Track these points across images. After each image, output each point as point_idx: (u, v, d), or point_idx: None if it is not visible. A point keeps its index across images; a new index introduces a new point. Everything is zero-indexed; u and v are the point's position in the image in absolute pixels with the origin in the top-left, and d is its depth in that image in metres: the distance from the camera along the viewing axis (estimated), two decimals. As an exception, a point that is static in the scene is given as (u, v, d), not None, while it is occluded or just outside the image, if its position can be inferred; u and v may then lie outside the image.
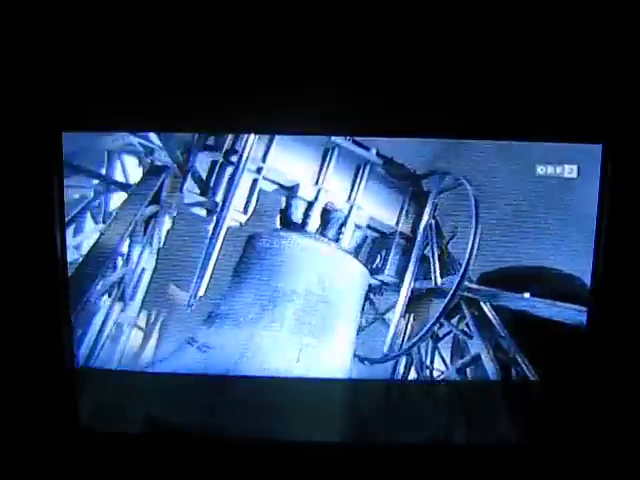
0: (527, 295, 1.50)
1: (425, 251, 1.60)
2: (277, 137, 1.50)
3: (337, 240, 1.61)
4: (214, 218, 1.57)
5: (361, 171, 1.61)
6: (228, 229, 1.56)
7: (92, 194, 1.64)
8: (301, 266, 1.55)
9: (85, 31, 1.28)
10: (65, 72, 1.30)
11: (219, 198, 1.58)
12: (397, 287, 1.60)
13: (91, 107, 1.32)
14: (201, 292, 1.52)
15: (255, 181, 1.58)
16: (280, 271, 1.55)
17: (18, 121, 1.31)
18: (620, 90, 1.23)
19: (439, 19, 1.25)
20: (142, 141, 1.56)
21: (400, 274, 1.61)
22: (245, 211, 1.57)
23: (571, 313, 1.44)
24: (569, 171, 1.41)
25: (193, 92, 1.30)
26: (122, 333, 1.61)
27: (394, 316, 1.57)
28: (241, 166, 1.55)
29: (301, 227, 1.60)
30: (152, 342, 1.60)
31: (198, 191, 1.58)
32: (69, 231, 1.49)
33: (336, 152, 1.59)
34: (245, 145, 1.54)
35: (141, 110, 1.33)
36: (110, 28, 1.28)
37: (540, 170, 1.42)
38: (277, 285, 1.54)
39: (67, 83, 1.31)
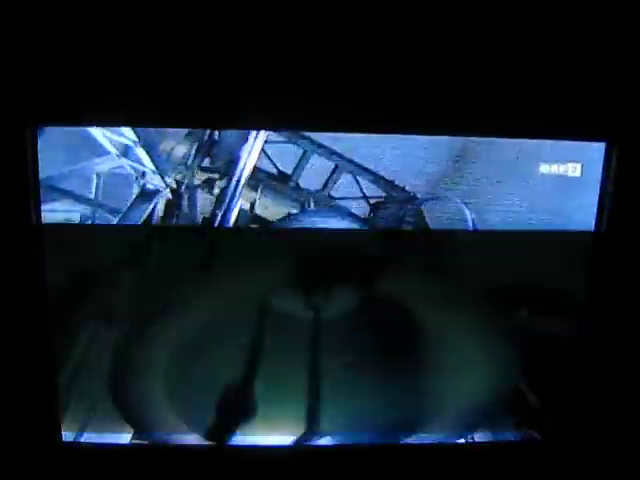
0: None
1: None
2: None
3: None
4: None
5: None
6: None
7: (78, 218, 1.57)
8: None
9: (62, 14, 1.16)
10: (42, 57, 1.18)
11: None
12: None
13: (70, 99, 1.24)
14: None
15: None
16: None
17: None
18: (625, 87, 1.24)
19: (437, 14, 1.19)
20: (133, 163, 1.51)
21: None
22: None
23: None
24: (572, 170, 1.39)
25: (181, 86, 1.24)
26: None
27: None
28: (239, 189, 1.54)
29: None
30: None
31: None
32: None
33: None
34: (244, 168, 1.52)
35: (121, 104, 1.26)
36: (90, 13, 1.17)
37: (543, 169, 1.39)
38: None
39: (45, 70, 1.19)
